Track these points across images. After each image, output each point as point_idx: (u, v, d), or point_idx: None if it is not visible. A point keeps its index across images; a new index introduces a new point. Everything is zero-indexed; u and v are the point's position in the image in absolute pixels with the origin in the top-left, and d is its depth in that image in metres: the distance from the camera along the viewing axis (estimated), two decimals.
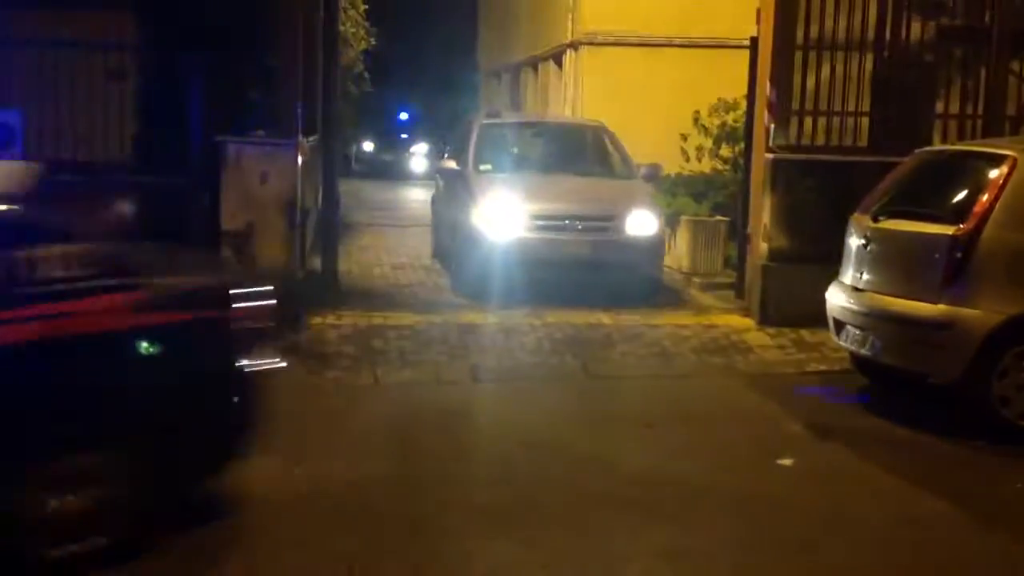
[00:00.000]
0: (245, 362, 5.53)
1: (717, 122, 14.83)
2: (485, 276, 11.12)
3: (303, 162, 10.04)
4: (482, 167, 12.37)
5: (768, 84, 10.86)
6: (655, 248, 11.64)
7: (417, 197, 23.16)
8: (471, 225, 11.36)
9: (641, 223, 11.42)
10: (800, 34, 10.79)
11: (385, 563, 5.35)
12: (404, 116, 43.06)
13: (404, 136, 38.25)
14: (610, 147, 12.96)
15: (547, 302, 10.88)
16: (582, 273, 11.19)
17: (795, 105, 10.82)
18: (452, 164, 12.86)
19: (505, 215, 11.20)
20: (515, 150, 13.56)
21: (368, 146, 36.46)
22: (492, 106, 17.58)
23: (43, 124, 9.13)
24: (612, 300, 11.04)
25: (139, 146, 10.02)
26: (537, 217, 11.20)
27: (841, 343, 8.63)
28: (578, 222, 11.24)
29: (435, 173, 15.92)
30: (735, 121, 14.28)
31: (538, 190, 11.73)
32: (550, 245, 11.14)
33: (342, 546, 5.48)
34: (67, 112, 9.07)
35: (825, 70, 10.89)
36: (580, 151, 13.36)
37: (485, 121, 13.39)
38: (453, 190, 12.64)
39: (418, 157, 35.31)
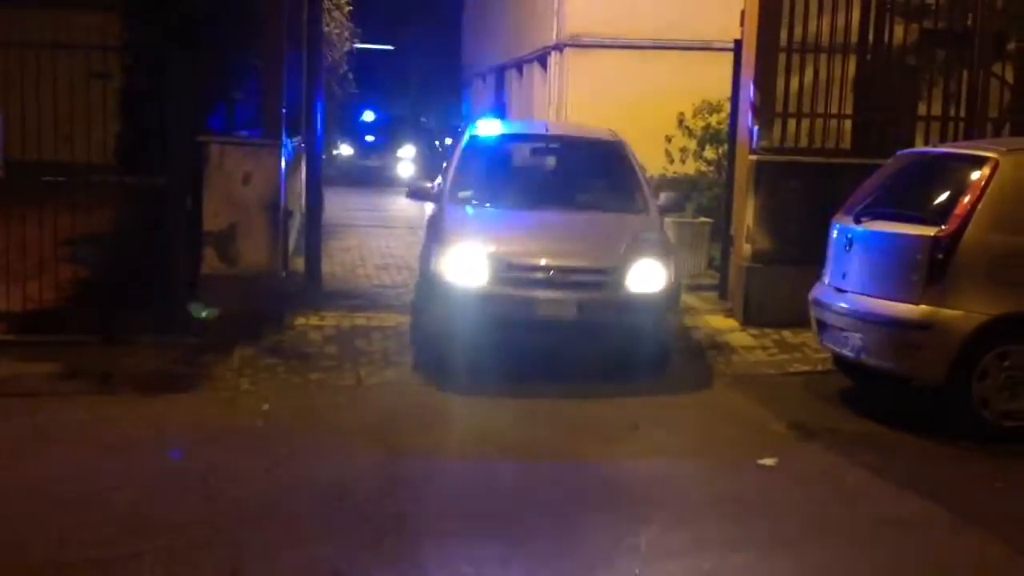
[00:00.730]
0: None
1: (701, 124, 14.87)
2: (445, 338, 9.02)
3: (286, 163, 10.03)
4: (461, 194, 9.97)
5: (752, 86, 10.90)
6: (662, 308, 9.04)
7: (401, 208, 20.22)
8: (430, 271, 9.10)
9: (646, 276, 8.89)
10: (784, 36, 10.83)
11: (370, 564, 5.34)
12: (370, 116, 41.41)
13: (386, 139, 36.07)
14: (625, 169, 10.28)
15: (524, 377, 8.73)
16: (565, 340, 8.91)
17: (779, 107, 10.86)
18: (430, 186, 10.82)
19: (470, 262, 8.80)
20: (505, 172, 11.06)
21: (347, 150, 33.80)
22: (487, 115, 13.89)
23: (25, 124, 9.08)
24: (606, 376, 8.94)
25: (122, 146, 9.98)
26: (509, 266, 8.76)
27: (824, 344, 8.66)
28: (561, 274, 8.74)
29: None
30: (719, 123, 14.32)
31: (516, 230, 9.42)
32: (523, 303, 8.67)
33: (327, 547, 5.47)
34: (49, 112, 9.03)
35: (809, 72, 10.93)
36: (587, 174, 10.74)
37: (474, 133, 10.81)
38: (431, 219, 10.31)
39: (405, 162, 33.11)
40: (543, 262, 8.81)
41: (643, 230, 9.46)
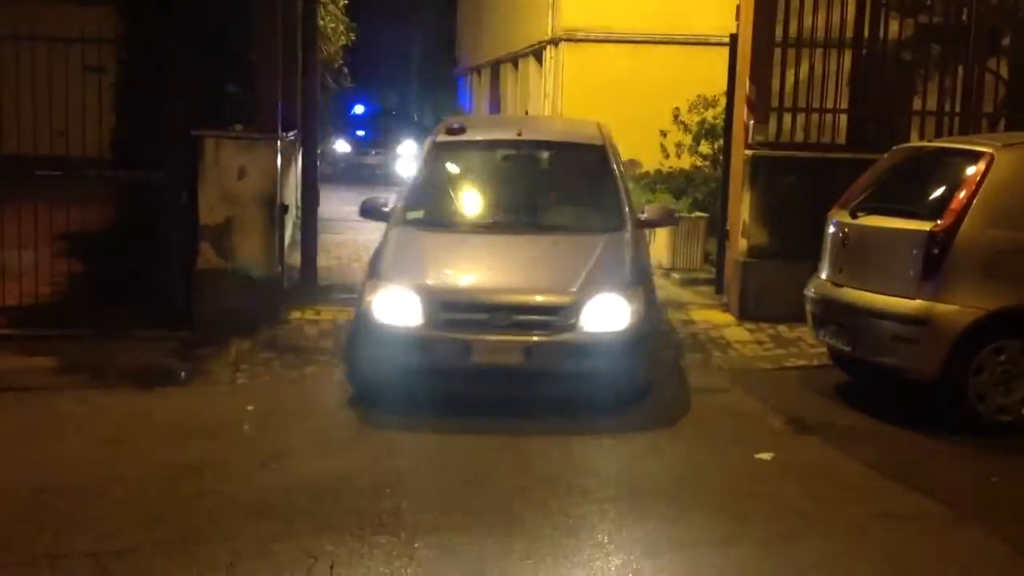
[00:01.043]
0: None
1: (696, 119, 14.88)
2: (378, 386, 7.83)
3: (282, 157, 10.01)
4: (411, 214, 8.82)
5: (747, 81, 10.90)
6: (629, 349, 7.69)
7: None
8: (361, 306, 7.88)
9: (607, 313, 7.65)
10: (779, 31, 10.83)
11: (363, 560, 5.34)
12: (360, 110, 40.93)
13: (383, 135, 35.52)
14: (605, 179, 8.92)
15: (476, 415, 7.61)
16: (510, 390, 7.69)
17: (774, 102, 10.86)
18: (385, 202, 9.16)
19: (400, 298, 7.66)
20: (467, 185, 9.52)
21: (343, 146, 32.43)
22: (454, 118, 12.18)
23: (20, 118, 9.07)
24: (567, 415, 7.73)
25: (117, 140, 9.97)
26: (443, 305, 7.60)
27: (820, 338, 8.68)
28: (503, 314, 7.53)
29: None
30: (715, 118, 14.33)
31: (462, 259, 8.25)
32: (456, 349, 7.48)
33: (320, 541, 5.47)
34: (44, 106, 9.02)
35: (804, 67, 10.93)
36: (561, 186, 9.46)
37: (439, 139, 9.38)
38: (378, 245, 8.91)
39: (405, 159, 30.66)
40: (481, 300, 7.65)
41: (612, 254, 8.16)
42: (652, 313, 8.13)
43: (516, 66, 24.78)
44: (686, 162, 15.37)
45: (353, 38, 21.71)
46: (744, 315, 10.67)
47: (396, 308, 7.67)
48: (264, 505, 5.92)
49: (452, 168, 9.53)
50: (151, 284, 9.41)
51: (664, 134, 15.28)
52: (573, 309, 7.59)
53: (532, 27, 22.13)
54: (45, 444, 6.85)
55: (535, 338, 7.53)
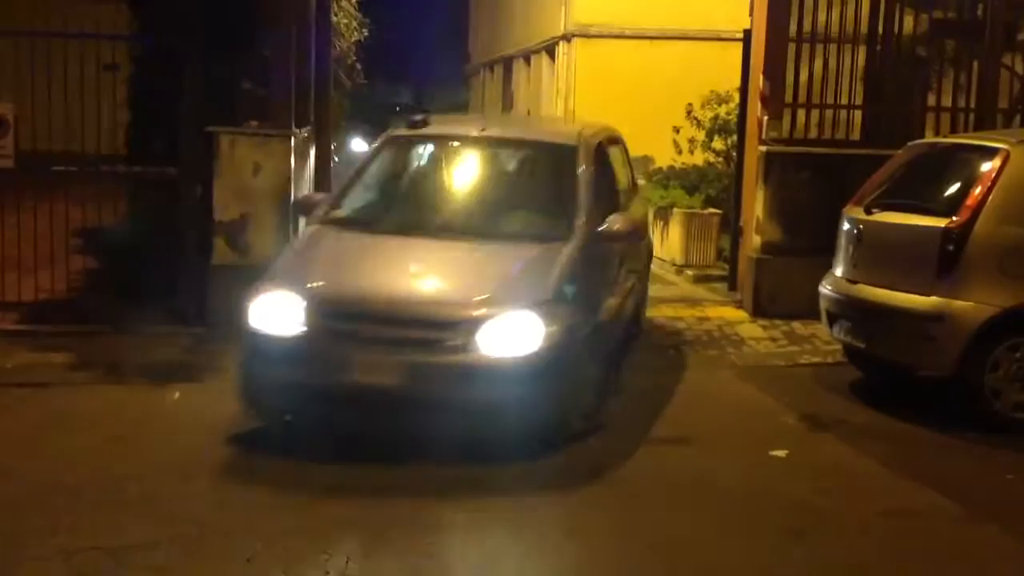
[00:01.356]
0: None
1: (710, 115, 14.85)
2: (257, 405, 6.90)
3: (296, 154, 10.02)
4: (337, 213, 7.78)
5: (761, 77, 10.88)
6: (536, 379, 6.42)
7: None
8: (244, 311, 6.85)
9: (513, 334, 6.44)
10: (793, 27, 10.81)
11: (382, 557, 5.36)
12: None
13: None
14: (566, 183, 7.74)
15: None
16: (399, 419, 6.49)
17: (788, 98, 10.83)
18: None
19: (287, 303, 6.67)
20: (407, 183, 8.54)
21: (360, 145, 31.31)
22: (418, 113, 10.76)
23: (36, 114, 9.11)
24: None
25: (132, 136, 10.00)
26: (329, 313, 6.59)
27: (834, 335, 8.66)
28: (390, 327, 6.45)
29: None
30: (728, 114, 14.30)
31: (365, 262, 7.14)
32: (336, 364, 6.46)
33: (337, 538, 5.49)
34: (60, 102, 9.05)
35: (818, 63, 10.90)
36: (515, 188, 8.33)
37: (393, 133, 8.69)
38: None
39: None
40: (366, 308, 6.57)
41: (539, 267, 6.97)
42: (575, 338, 6.74)
43: (528, 62, 24.76)
44: (699, 158, 15.34)
45: (366, 34, 21.70)
46: (758, 312, 10.65)
47: (277, 314, 6.65)
48: (281, 498, 5.94)
49: (398, 164, 8.58)
50: (165, 280, 9.43)
51: (677, 130, 15.26)
52: (467, 326, 6.40)
53: (544, 23, 22.11)
54: (60, 439, 6.87)
55: (420, 357, 6.39)
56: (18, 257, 9.23)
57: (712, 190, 14.15)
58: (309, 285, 6.78)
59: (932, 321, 7.56)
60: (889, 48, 11.17)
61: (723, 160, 14.76)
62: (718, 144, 14.83)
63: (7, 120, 9.19)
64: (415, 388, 6.39)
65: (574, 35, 19.97)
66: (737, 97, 12.43)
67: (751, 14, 11.45)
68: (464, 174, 8.48)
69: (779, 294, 10.55)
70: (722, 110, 14.64)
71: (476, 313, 6.46)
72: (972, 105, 11.08)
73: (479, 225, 7.58)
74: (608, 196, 8.18)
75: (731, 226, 12.11)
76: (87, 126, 9.14)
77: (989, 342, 7.48)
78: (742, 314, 10.78)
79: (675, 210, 13.72)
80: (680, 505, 6.11)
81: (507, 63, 27.60)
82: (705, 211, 13.59)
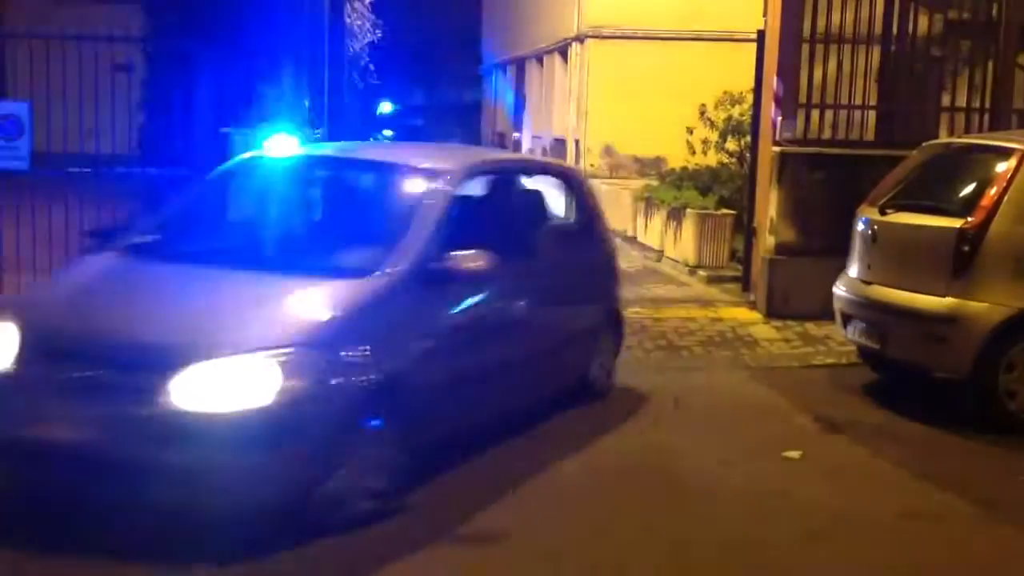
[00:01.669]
0: None
1: (723, 115, 14.86)
2: None
3: None
4: (140, 238, 6.59)
5: (775, 77, 10.87)
6: (265, 439, 5.08)
7: None
8: None
9: (231, 382, 5.10)
10: (807, 27, 10.80)
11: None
12: (388, 108, 40.60)
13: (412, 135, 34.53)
14: (405, 215, 6.33)
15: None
16: (92, 487, 5.16)
17: (802, 98, 10.82)
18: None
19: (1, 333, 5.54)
20: (237, 211, 7.57)
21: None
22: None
23: (51, 116, 9.15)
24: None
25: (146, 138, 10.04)
26: (31, 347, 5.40)
27: (848, 336, 8.64)
28: (81, 366, 5.23)
29: None
30: (741, 115, 14.31)
31: (110, 294, 5.97)
32: (21, 411, 5.25)
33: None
34: (74, 104, 9.09)
35: (832, 63, 10.89)
36: (352, 216, 7.09)
37: (245, 155, 7.71)
38: None
39: None
40: (62, 345, 5.39)
41: (311, 305, 5.62)
42: (349, 396, 5.38)
43: (541, 63, 24.77)
44: (713, 159, 15.36)
45: (379, 35, 21.76)
46: (771, 313, 10.64)
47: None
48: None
49: (231, 186, 7.45)
50: None
51: (691, 131, 15.28)
52: (163, 369, 5.06)
53: (558, 24, 22.14)
54: None
55: (115, 408, 5.05)
56: (33, 258, 9.25)
57: (725, 191, 14.15)
58: (27, 316, 5.67)
59: (946, 322, 7.53)
60: (903, 48, 11.16)
61: (736, 161, 14.77)
62: (731, 145, 14.84)
63: (21, 121, 9.22)
64: (104, 446, 5.04)
65: (587, 36, 20.00)
66: (751, 98, 12.43)
67: (765, 15, 11.44)
68: (297, 200, 7.53)
69: (793, 295, 10.54)
70: (736, 111, 14.64)
71: (176, 355, 5.12)
72: (987, 105, 11.05)
73: (283, 256, 6.40)
74: (493, 235, 6.56)
75: (744, 227, 12.10)
76: (101, 127, 9.17)
77: (1004, 343, 7.45)
78: (756, 315, 10.77)
79: (688, 211, 13.72)
80: (691, 505, 6.10)
81: (520, 64, 27.63)
82: (718, 212, 13.59)
